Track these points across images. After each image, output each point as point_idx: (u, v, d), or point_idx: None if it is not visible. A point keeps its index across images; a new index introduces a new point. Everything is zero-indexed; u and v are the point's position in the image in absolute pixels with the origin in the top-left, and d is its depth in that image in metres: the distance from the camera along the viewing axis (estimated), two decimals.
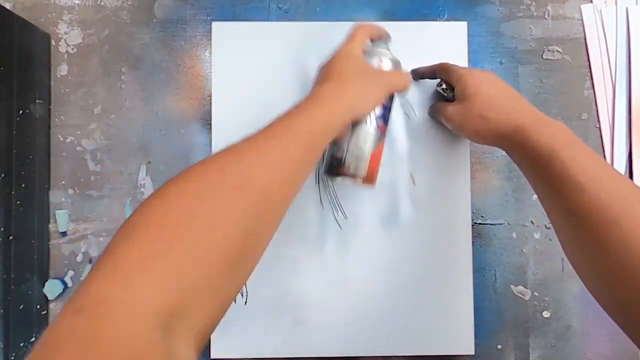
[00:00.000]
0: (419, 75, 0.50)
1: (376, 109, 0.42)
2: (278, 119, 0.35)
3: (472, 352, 0.49)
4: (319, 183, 0.50)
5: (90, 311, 0.21)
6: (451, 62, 0.51)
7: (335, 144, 0.42)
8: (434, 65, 0.48)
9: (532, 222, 0.51)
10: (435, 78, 0.49)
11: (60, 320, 0.21)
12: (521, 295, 0.51)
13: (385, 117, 0.44)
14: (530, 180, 0.39)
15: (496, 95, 0.42)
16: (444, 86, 0.48)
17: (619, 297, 0.32)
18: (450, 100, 0.46)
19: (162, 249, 0.24)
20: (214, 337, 0.48)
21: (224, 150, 0.32)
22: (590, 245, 0.33)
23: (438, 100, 0.50)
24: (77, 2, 0.52)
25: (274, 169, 0.31)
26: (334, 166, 0.43)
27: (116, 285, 0.22)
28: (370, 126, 0.42)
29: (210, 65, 0.51)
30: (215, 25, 0.51)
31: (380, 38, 0.45)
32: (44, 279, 0.49)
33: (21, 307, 0.45)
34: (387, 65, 0.43)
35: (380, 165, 0.44)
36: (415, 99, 0.51)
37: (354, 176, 0.42)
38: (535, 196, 0.51)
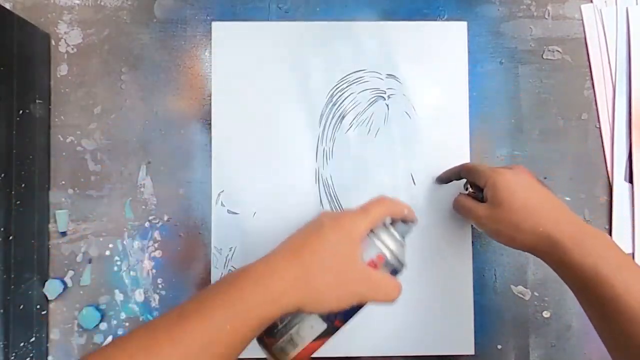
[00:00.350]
0: (443, 180, 0.49)
1: None
2: (209, 291, 0.30)
3: (472, 352, 0.49)
4: (319, 183, 0.50)
5: None
6: (451, 62, 0.51)
7: None
8: (457, 167, 0.46)
9: None
10: (461, 179, 0.46)
11: None
12: (521, 295, 0.51)
13: (348, 315, 0.35)
14: (578, 298, 0.36)
15: (532, 204, 0.37)
16: (470, 189, 0.45)
17: None
18: (479, 199, 0.42)
19: None
20: None
21: (135, 334, 0.28)
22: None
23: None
24: (77, 2, 0.52)
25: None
26: (263, 332, 0.33)
27: None
28: (321, 321, 0.34)
29: (210, 65, 0.51)
30: (215, 25, 0.51)
31: (404, 221, 0.38)
32: (44, 279, 0.49)
33: (21, 307, 0.45)
34: (384, 266, 0.35)
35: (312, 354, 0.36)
36: (416, 98, 0.51)
37: (275, 357, 0.35)
38: None
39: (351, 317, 0.35)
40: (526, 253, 0.50)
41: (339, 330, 0.35)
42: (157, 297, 0.50)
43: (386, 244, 0.35)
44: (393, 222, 0.37)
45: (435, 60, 0.51)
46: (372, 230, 0.35)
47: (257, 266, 0.32)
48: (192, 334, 0.28)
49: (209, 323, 0.28)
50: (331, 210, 0.50)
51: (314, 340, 0.34)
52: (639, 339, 0.31)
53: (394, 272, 0.36)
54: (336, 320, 0.34)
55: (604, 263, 0.33)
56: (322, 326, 0.34)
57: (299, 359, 0.35)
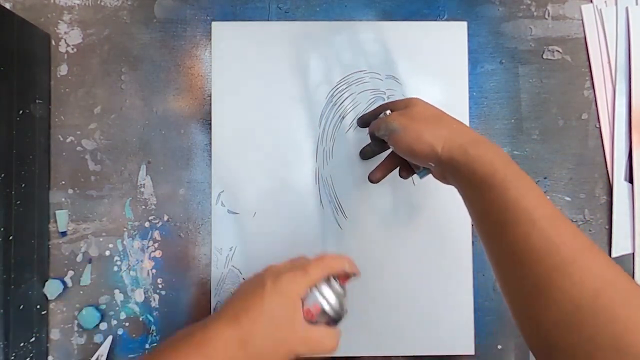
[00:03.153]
0: (363, 121, 0.48)
1: None
2: (158, 355, 0.32)
3: (472, 352, 0.49)
4: (318, 183, 0.50)
5: None
6: (451, 62, 0.51)
7: None
8: (376, 108, 0.46)
9: None
10: (377, 112, 0.46)
11: None
12: None
13: None
14: (473, 209, 0.36)
15: (438, 113, 0.40)
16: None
17: (546, 341, 0.29)
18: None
19: None
20: None
21: None
22: (531, 286, 0.30)
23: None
24: (77, 2, 0.52)
25: None
26: None
27: None
28: None
29: (210, 65, 0.51)
30: (215, 25, 0.51)
31: (348, 277, 0.39)
32: (44, 279, 0.49)
33: (21, 307, 0.45)
34: (320, 315, 0.36)
35: None
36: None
37: None
38: None
39: None
40: None
41: None
42: (157, 297, 0.50)
43: (323, 295, 0.36)
44: (335, 276, 0.38)
45: (435, 60, 0.51)
46: (312, 287, 0.37)
47: (197, 332, 0.33)
48: None
49: None
50: (331, 210, 0.50)
51: None
52: (530, 247, 0.30)
53: (333, 320, 0.37)
54: None
55: (502, 170, 0.33)
56: None
57: None
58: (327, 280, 0.37)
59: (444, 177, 0.39)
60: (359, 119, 0.49)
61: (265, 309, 0.33)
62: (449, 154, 0.36)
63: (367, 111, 0.49)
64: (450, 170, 0.36)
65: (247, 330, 0.32)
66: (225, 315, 0.34)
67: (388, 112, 0.43)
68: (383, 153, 0.48)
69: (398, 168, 0.46)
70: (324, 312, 0.36)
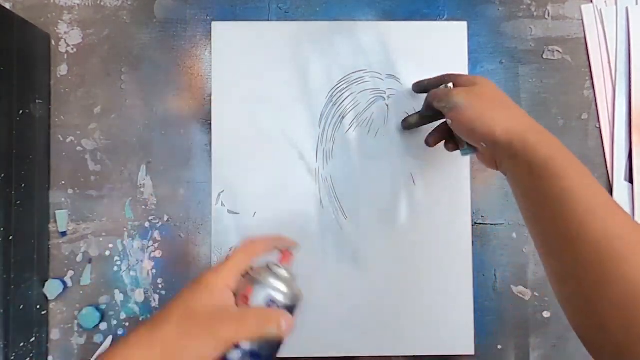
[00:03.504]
0: (421, 87, 0.48)
1: (232, 353, 0.31)
2: None
3: (472, 352, 0.49)
4: (319, 183, 0.50)
5: None
6: (451, 62, 0.51)
7: None
8: (439, 77, 0.46)
9: None
10: (439, 84, 0.45)
11: None
12: (521, 295, 0.51)
13: None
14: (528, 197, 0.36)
15: (500, 98, 0.40)
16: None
17: (606, 344, 0.29)
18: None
19: None
20: None
21: None
22: (587, 279, 0.30)
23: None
24: (77, 2, 0.52)
25: None
26: None
27: None
28: None
29: (210, 65, 0.51)
30: (215, 25, 0.51)
31: (288, 257, 0.37)
32: (44, 279, 0.49)
33: (21, 307, 0.45)
34: (258, 298, 0.33)
35: None
36: (416, 98, 0.51)
37: None
38: None
39: None
40: (526, 253, 0.51)
41: None
42: (157, 297, 0.50)
43: (274, 287, 0.33)
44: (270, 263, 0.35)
45: (435, 60, 0.51)
46: (248, 274, 0.34)
47: (115, 354, 0.30)
48: None
49: None
50: (331, 210, 0.50)
51: None
52: (587, 236, 0.30)
53: (288, 308, 0.34)
54: None
55: (561, 158, 0.33)
56: None
57: None
58: (269, 270, 0.34)
59: (492, 161, 0.39)
60: (415, 84, 0.49)
61: (182, 308, 0.31)
62: (507, 138, 0.36)
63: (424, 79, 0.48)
64: (507, 155, 0.37)
65: (166, 337, 0.30)
66: (141, 332, 0.31)
67: (450, 85, 0.43)
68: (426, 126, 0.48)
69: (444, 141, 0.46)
70: (255, 294, 0.33)
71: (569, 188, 0.32)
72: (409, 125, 0.49)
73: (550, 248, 0.34)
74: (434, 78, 0.46)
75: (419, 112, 0.48)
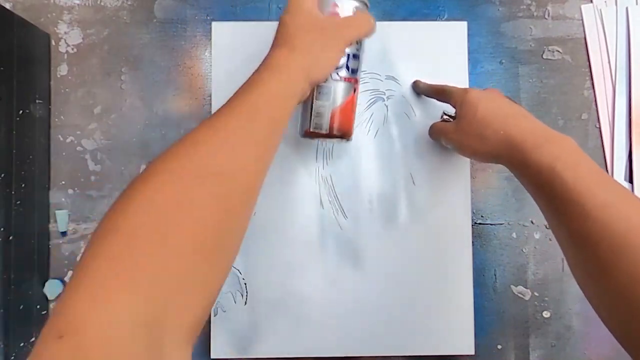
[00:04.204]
0: (420, 90, 0.50)
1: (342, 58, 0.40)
2: (235, 95, 0.34)
3: (472, 352, 0.49)
4: (319, 183, 0.50)
5: (69, 338, 0.21)
6: (451, 62, 0.51)
7: (303, 105, 0.42)
8: (433, 85, 0.47)
9: (532, 222, 0.51)
10: (435, 97, 0.48)
11: (41, 348, 0.21)
12: (521, 295, 0.51)
13: (349, 67, 0.41)
14: (536, 201, 0.37)
15: (495, 112, 0.38)
16: (445, 117, 0.48)
17: (628, 330, 0.29)
18: None
19: (133, 258, 0.24)
20: (214, 337, 0.48)
21: (184, 139, 0.30)
22: (597, 273, 0.31)
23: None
24: (77, 2, 0.52)
25: (236, 153, 0.31)
26: (303, 129, 0.42)
27: (93, 308, 0.22)
28: (331, 81, 0.40)
29: (210, 65, 0.51)
30: (215, 25, 0.51)
31: None
32: (44, 279, 0.49)
33: (21, 307, 0.45)
34: (346, 9, 0.40)
35: (354, 119, 0.43)
36: (415, 99, 0.51)
37: (321, 135, 0.41)
38: None
39: (355, 69, 0.42)
40: (526, 253, 0.51)
41: (356, 85, 0.42)
42: None
43: None
44: None
45: (435, 60, 0.51)
46: None
47: (272, 67, 0.36)
48: (236, 130, 0.32)
49: (251, 113, 0.33)
50: (331, 210, 0.50)
51: (341, 102, 0.41)
52: (587, 235, 0.31)
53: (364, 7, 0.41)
54: (342, 77, 0.41)
55: (559, 161, 0.33)
56: (333, 87, 0.40)
57: (341, 124, 0.41)
58: None
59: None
60: (414, 84, 0.50)
61: (294, 29, 0.37)
62: (508, 161, 0.37)
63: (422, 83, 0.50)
64: (513, 173, 0.38)
65: (293, 46, 0.36)
66: (282, 49, 0.37)
67: (444, 116, 0.48)
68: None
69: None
70: (361, 9, 0.40)
71: (568, 194, 0.32)
72: (419, 90, 0.50)
73: (565, 243, 0.34)
74: (433, 87, 0.48)
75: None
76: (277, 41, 0.37)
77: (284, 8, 0.38)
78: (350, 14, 0.40)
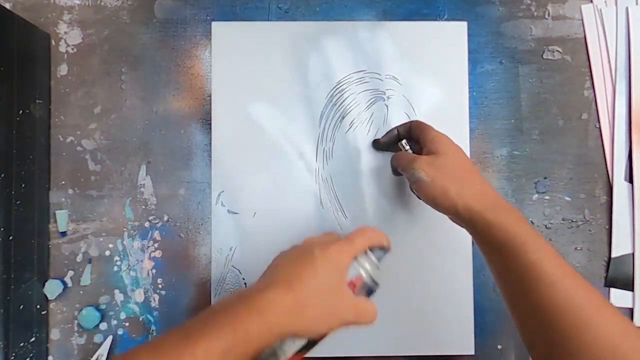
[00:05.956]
0: (380, 145, 0.50)
1: None
2: (211, 315, 0.31)
3: (472, 352, 0.49)
4: (319, 183, 0.50)
5: None
6: (451, 62, 0.51)
7: None
8: (408, 122, 0.47)
9: (532, 222, 0.51)
10: (407, 136, 0.47)
11: None
12: None
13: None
14: (494, 269, 0.38)
15: (463, 170, 0.41)
16: (407, 148, 0.47)
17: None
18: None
19: None
20: None
21: (139, 353, 0.29)
22: (556, 341, 0.32)
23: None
24: (77, 2, 0.52)
25: None
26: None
27: None
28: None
29: (210, 65, 0.51)
30: (215, 25, 0.51)
31: (382, 249, 0.39)
32: (44, 279, 0.49)
33: (21, 307, 0.45)
34: (361, 286, 0.37)
35: None
36: (415, 98, 0.51)
37: None
38: (535, 195, 0.51)
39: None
40: None
41: (317, 344, 0.36)
42: (157, 297, 0.50)
43: (365, 267, 0.37)
44: (371, 248, 0.39)
45: (435, 61, 0.51)
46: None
47: (253, 296, 0.32)
48: (199, 356, 0.29)
49: (215, 345, 0.29)
50: (331, 210, 0.50)
51: (296, 353, 0.35)
52: (553, 306, 0.33)
53: (370, 292, 0.38)
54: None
55: (520, 234, 0.35)
56: (303, 341, 0.35)
57: None
58: (365, 253, 0.38)
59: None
60: (373, 142, 0.50)
61: (317, 278, 0.33)
62: (468, 216, 0.38)
63: (381, 135, 0.50)
64: (470, 230, 0.39)
65: (301, 297, 0.32)
66: (278, 282, 0.33)
67: (405, 145, 0.47)
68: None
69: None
70: (364, 283, 0.37)
71: (532, 262, 0.34)
72: (379, 147, 0.50)
73: (520, 315, 0.36)
74: (389, 133, 0.48)
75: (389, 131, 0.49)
76: (286, 274, 0.34)
77: (316, 242, 0.36)
78: (364, 295, 0.38)
